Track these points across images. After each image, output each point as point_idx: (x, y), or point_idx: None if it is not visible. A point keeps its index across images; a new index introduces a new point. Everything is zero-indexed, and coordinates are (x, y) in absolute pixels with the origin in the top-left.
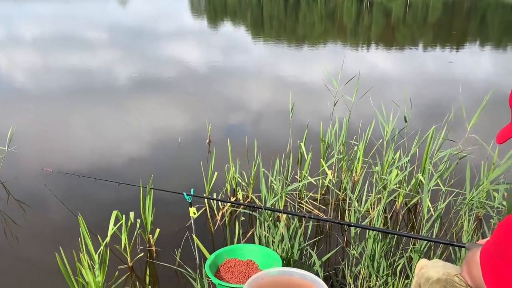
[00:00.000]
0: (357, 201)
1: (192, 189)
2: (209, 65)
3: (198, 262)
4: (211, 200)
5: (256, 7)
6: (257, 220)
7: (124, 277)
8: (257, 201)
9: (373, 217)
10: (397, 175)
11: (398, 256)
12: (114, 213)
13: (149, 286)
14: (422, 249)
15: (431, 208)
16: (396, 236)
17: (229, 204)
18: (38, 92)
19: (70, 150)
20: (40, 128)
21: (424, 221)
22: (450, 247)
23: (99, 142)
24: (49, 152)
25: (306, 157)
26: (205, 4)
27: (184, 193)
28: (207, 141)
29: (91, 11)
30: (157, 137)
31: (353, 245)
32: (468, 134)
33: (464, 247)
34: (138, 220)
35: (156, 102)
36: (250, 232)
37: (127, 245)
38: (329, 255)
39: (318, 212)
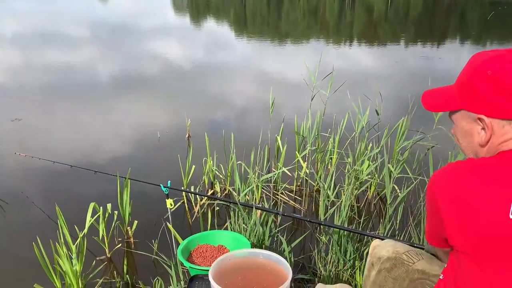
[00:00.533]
0: (329, 191)
1: (168, 181)
2: (191, 62)
3: (175, 252)
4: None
5: (239, 4)
6: (232, 213)
7: (101, 266)
8: (234, 193)
9: (341, 205)
10: (368, 166)
11: (364, 241)
12: (92, 205)
13: (127, 275)
14: (385, 232)
15: (399, 194)
16: (362, 223)
17: (206, 197)
18: (17, 87)
19: (48, 142)
20: (17, 121)
21: (388, 205)
22: (415, 231)
23: (77, 136)
24: (25, 142)
25: (282, 150)
26: (187, 1)
27: (161, 185)
28: (187, 136)
29: (71, 7)
30: (136, 132)
31: (323, 232)
32: (435, 125)
33: (423, 248)
34: (116, 212)
35: (137, 98)
36: (227, 224)
37: (105, 237)
38: (297, 240)
39: (294, 203)
